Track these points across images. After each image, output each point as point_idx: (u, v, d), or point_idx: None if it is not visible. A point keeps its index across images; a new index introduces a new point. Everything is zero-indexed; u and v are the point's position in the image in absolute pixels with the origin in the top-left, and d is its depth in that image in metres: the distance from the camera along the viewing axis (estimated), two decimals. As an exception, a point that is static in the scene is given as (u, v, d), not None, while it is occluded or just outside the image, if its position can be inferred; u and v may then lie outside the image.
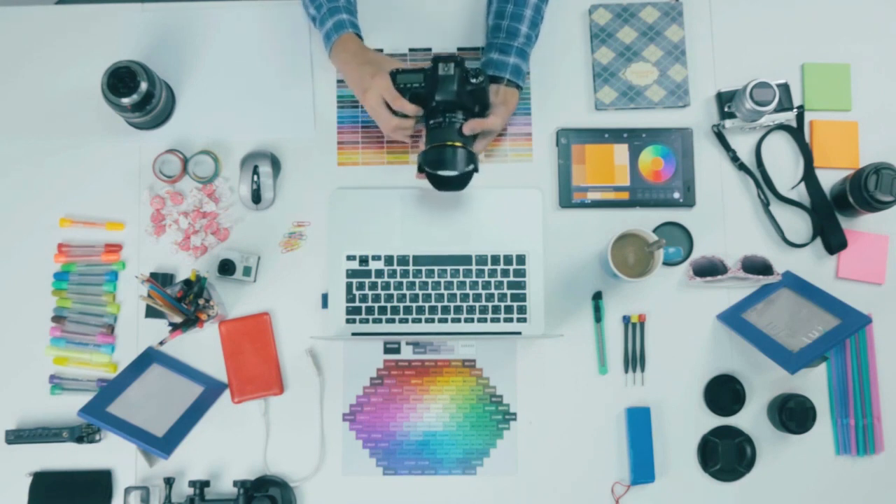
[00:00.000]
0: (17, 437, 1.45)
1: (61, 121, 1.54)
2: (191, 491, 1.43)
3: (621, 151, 1.53)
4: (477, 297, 1.49)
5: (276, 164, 1.51)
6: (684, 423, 1.48)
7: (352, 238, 1.50)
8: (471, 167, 1.38)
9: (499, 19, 1.47)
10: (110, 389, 1.37)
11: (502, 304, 1.49)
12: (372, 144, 1.54)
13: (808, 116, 1.55)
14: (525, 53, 1.47)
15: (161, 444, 1.34)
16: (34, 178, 1.52)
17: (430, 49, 1.57)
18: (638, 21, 1.55)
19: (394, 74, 1.37)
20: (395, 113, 1.39)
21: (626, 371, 1.49)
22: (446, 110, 1.37)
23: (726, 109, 1.53)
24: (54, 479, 1.46)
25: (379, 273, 1.49)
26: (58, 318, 1.50)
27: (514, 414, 1.48)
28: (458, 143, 1.36)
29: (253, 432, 1.48)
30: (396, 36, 1.57)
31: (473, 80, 1.35)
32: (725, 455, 1.46)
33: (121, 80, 1.42)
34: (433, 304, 1.49)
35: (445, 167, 1.37)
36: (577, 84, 1.56)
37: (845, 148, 1.53)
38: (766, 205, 1.52)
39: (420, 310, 1.49)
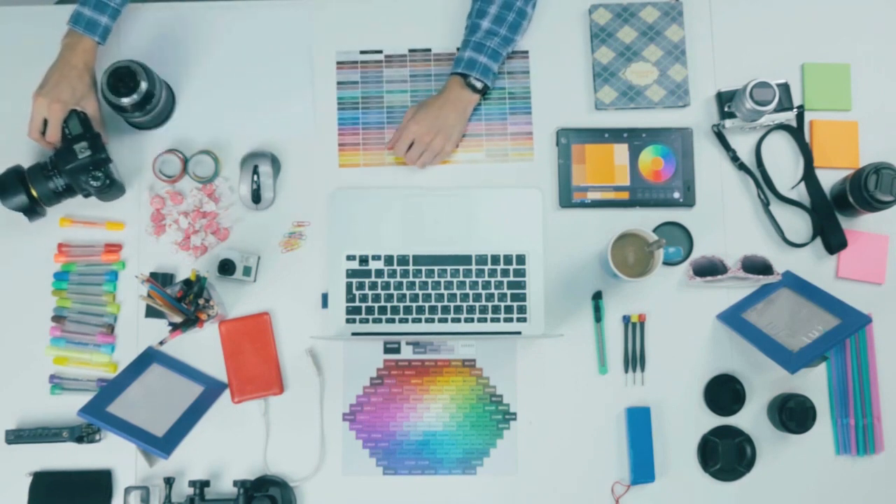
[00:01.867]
0: (17, 437, 1.45)
1: (61, 121, 1.54)
2: (191, 491, 1.42)
3: (621, 151, 1.53)
4: (477, 297, 1.49)
5: (276, 164, 1.51)
6: (684, 422, 1.48)
7: (352, 238, 1.50)
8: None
9: (468, 18, 1.51)
10: (110, 389, 1.37)
11: (502, 304, 1.49)
12: (373, 146, 1.54)
13: (808, 116, 1.54)
14: (483, 47, 1.47)
15: (161, 444, 1.34)
16: (34, 178, 1.53)
17: (429, 49, 1.57)
18: (638, 21, 1.55)
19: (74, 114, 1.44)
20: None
21: (626, 371, 1.49)
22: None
23: (726, 109, 1.53)
24: (54, 479, 1.45)
25: (379, 273, 1.49)
26: (58, 318, 1.50)
27: (514, 414, 1.48)
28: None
29: (253, 432, 1.48)
30: (396, 36, 1.57)
31: (94, 184, 1.42)
32: (725, 455, 1.46)
33: (121, 80, 1.43)
34: (433, 304, 1.49)
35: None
36: (577, 84, 1.56)
37: (845, 148, 1.53)
38: (766, 205, 1.52)
39: (420, 310, 1.49)
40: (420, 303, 1.49)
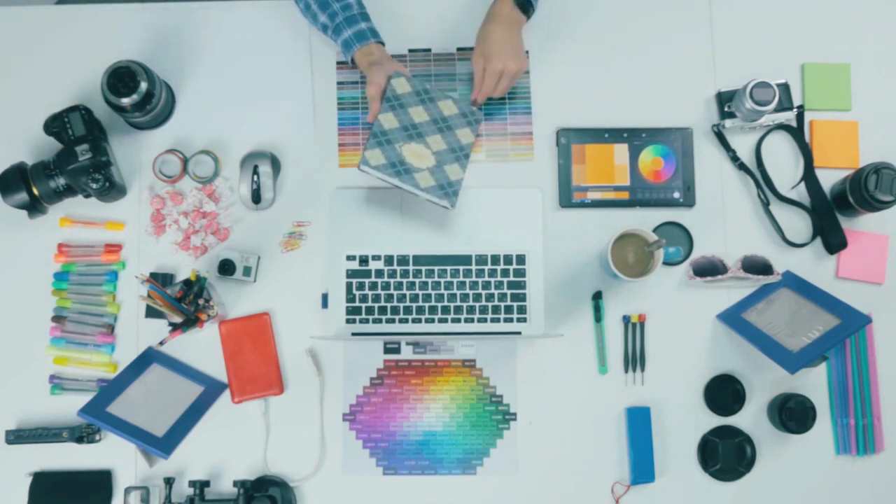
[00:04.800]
0: (17, 437, 1.45)
1: (61, 121, 1.54)
2: (191, 491, 1.43)
3: (621, 151, 1.53)
4: (477, 297, 1.49)
5: (276, 164, 1.51)
6: (684, 422, 1.48)
7: (352, 238, 1.50)
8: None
9: None
10: (110, 389, 1.37)
11: (502, 304, 1.49)
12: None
13: (808, 116, 1.55)
14: None
15: (161, 444, 1.34)
16: (34, 178, 1.53)
17: (429, 49, 1.57)
18: (434, 108, 1.47)
19: None
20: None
21: (626, 371, 1.49)
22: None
23: (726, 109, 1.53)
24: (54, 479, 1.46)
25: (379, 273, 1.49)
26: (58, 318, 1.50)
27: (514, 414, 1.48)
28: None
29: (253, 432, 1.48)
30: (396, 36, 1.57)
31: (94, 186, 1.43)
32: (725, 455, 1.46)
33: (121, 80, 1.43)
34: (433, 304, 1.49)
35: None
36: (577, 84, 1.56)
37: (845, 148, 1.53)
38: (766, 205, 1.52)
39: (420, 310, 1.49)
40: (420, 303, 1.49)
